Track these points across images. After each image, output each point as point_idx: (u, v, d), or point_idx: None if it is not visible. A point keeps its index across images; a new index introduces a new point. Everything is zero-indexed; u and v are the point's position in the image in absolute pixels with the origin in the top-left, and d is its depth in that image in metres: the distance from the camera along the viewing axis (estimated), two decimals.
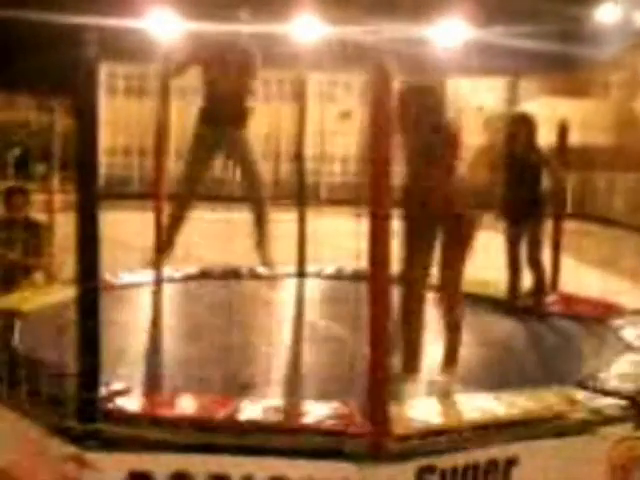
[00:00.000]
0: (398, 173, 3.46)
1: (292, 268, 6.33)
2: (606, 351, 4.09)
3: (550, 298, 5.36)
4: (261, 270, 6.03)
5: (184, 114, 7.37)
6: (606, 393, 3.25)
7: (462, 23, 21.11)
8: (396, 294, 3.37)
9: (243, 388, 3.32)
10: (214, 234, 6.51)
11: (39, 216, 6.03)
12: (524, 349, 4.40)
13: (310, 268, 6.42)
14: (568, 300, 5.34)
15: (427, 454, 2.72)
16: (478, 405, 3.05)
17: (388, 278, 2.77)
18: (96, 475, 2.67)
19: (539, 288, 5.28)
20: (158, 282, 5.57)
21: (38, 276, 5.81)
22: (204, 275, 6.25)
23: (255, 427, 2.82)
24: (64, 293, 4.47)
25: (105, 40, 2.96)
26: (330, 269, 6.54)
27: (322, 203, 12.44)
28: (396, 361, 3.48)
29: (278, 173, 24.46)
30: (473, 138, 4.82)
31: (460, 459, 2.73)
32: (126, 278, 5.79)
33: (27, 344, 3.83)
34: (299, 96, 7.32)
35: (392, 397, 2.82)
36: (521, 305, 5.26)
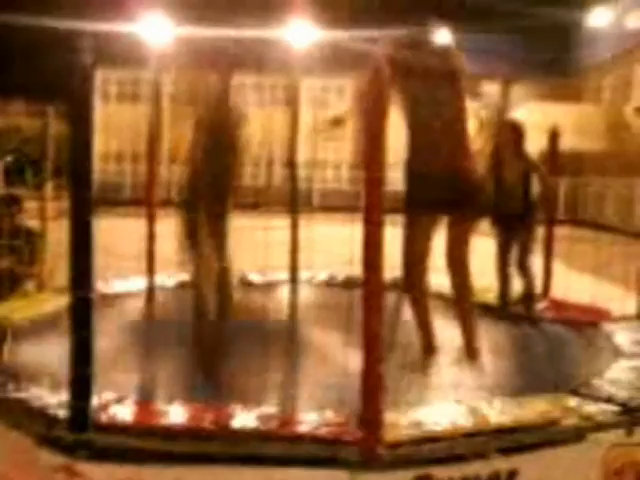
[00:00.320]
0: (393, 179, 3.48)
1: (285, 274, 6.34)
2: (598, 357, 4.11)
3: (541, 304, 5.38)
4: (254, 277, 6.02)
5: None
6: (598, 399, 3.26)
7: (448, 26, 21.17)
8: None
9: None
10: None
11: (32, 223, 6.01)
12: (515, 355, 4.41)
13: (303, 274, 6.43)
14: (560, 306, 5.36)
15: (421, 462, 2.72)
16: (471, 412, 3.06)
17: (382, 284, 2.77)
18: None
19: (529, 294, 5.31)
20: (150, 290, 5.56)
21: (30, 285, 5.78)
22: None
23: (248, 435, 2.82)
24: (57, 302, 4.46)
25: (100, 46, 2.96)
26: (323, 275, 6.55)
27: (314, 209, 12.44)
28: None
29: (271, 179, 24.45)
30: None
31: (456, 470, 2.73)
32: (119, 286, 5.77)
33: (18, 353, 3.82)
34: (292, 101, 7.33)
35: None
36: (512, 311, 5.28)
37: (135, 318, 5.22)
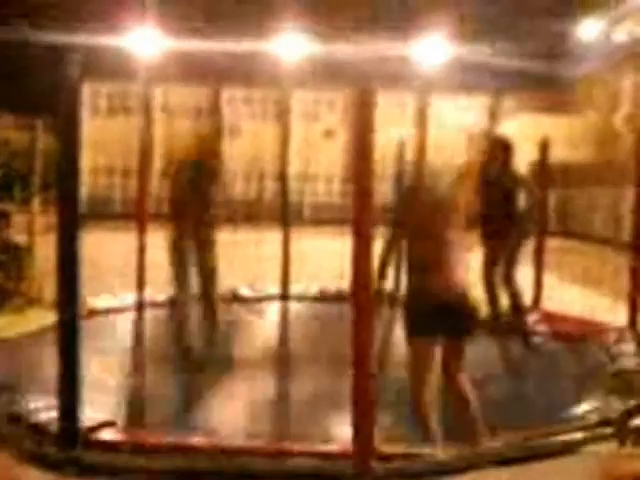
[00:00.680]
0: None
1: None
2: (589, 369, 4.09)
3: (532, 316, 5.36)
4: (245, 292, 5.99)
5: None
6: (589, 411, 3.24)
7: (444, 40, 21.32)
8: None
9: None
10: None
11: (19, 238, 5.96)
12: (506, 370, 4.38)
13: (294, 288, 6.40)
14: (550, 318, 5.34)
15: (412, 476, 2.69)
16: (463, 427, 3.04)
17: (370, 297, 2.73)
18: None
19: (516, 306, 5.27)
20: (139, 307, 5.51)
21: (18, 300, 5.71)
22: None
23: (239, 451, 2.78)
24: (44, 319, 4.42)
25: (88, 59, 2.95)
26: (314, 289, 6.52)
27: (305, 223, 12.43)
28: None
29: (262, 192, 24.44)
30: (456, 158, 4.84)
31: None
32: (108, 302, 5.69)
33: (6, 371, 3.77)
34: (283, 115, 7.34)
35: None
36: (503, 324, 5.24)
37: (123, 336, 5.17)
